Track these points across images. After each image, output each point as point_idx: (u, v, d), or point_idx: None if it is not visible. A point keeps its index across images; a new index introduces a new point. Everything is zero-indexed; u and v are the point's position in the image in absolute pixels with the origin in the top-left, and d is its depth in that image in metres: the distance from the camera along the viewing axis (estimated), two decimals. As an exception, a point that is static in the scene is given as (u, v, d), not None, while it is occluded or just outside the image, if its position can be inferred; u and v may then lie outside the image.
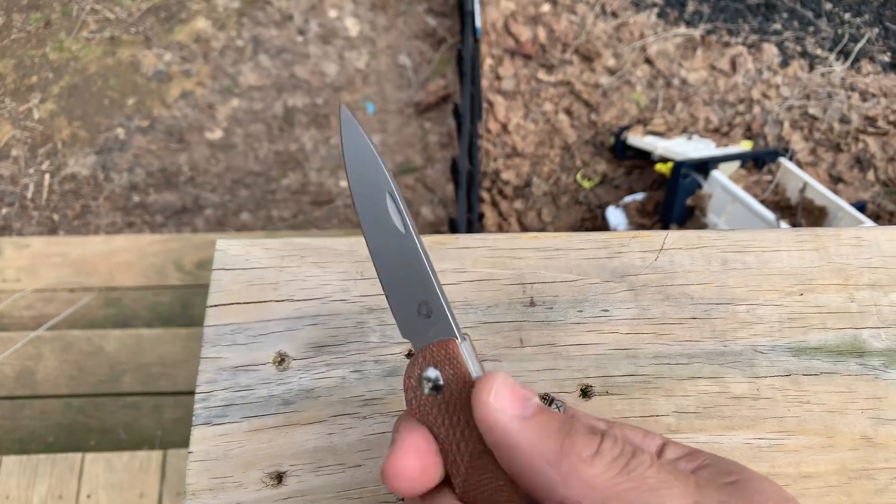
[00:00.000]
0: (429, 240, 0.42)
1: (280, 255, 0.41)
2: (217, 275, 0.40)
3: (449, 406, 0.26)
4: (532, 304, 0.40)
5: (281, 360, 0.38)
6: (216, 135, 1.96)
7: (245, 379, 0.38)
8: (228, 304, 0.39)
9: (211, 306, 0.39)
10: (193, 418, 0.37)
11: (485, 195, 1.86)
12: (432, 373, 0.26)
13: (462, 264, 0.41)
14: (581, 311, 0.40)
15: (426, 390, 0.26)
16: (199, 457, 0.36)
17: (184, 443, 1.38)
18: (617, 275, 0.41)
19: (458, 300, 0.40)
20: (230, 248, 0.41)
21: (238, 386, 0.38)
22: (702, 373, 0.39)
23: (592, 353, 0.38)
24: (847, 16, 2.13)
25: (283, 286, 0.40)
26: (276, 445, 0.36)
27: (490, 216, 1.83)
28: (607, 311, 0.40)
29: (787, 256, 0.42)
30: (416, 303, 0.28)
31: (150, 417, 1.41)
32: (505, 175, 1.87)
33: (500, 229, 1.80)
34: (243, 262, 0.41)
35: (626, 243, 0.42)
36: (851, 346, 0.40)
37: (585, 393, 0.37)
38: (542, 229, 1.80)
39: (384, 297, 0.29)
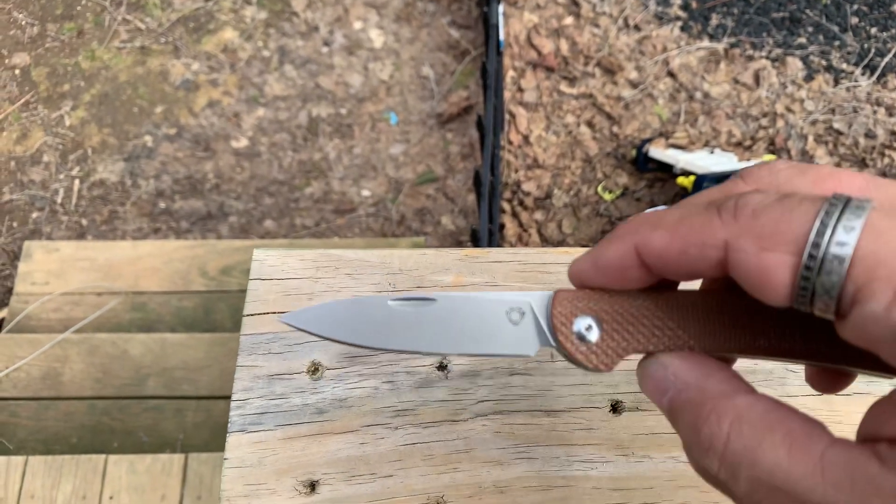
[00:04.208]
0: (460, 253, 0.43)
1: (315, 265, 0.42)
2: (253, 284, 0.41)
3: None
4: (562, 319, 0.40)
5: (315, 369, 0.39)
6: (241, 143, 2.00)
7: (280, 387, 0.39)
8: (264, 314, 0.40)
9: (247, 315, 0.40)
10: (229, 425, 0.38)
11: (505, 206, 1.87)
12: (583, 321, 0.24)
13: (493, 278, 0.42)
14: (611, 327, 0.40)
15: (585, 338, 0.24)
16: (235, 463, 0.37)
17: (205, 447, 1.40)
18: (647, 291, 0.41)
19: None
20: (267, 259, 0.42)
21: (273, 394, 0.38)
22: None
23: (623, 368, 0.39)
24: (874, 30, 2.11)
25: (318, 296, 0.41)
26: (310, 454, 0.37)
27: (510, 227, 1.84)
28: (637, 327, 0.40)
29: (818, 276, 0.42)
30: (502, 318, 0.25)
31: (173, 421, 1.43)
32: (526, 186, 1.87)
33: (520, 240, 1.80)
34: (279, 272, 0.42)
35: (656, 260, 0.42)
36: (883, 367, 0.40)
37: (616, 408, 0.38)
38: (563, 241, 1.80)
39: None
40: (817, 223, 0.18)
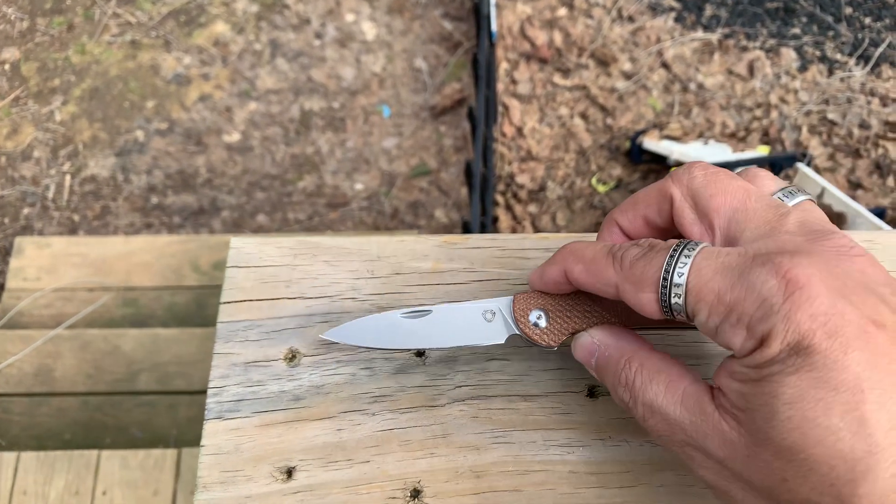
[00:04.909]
0: (439, 239, 0.42)
1: (293, 253, 0.41)
2: (231, 272, 0.41)
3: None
4: (541, 304, 0.40)
5: (292, 356, 0.39)
6: (233, 138, 1.99)
7: (256, 374, 0.38)
8: (241, 301, 0.40)
9: (224, 303, 0.40)
10: (206, 412, 0.38)
11: (499, 199, 1.86)
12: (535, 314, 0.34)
13: (472, 264, 0.41)
14: (590, 312, 0.40)
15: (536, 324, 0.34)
16: (211, 450, 0.37)
17: (198, 441, 1.39)
18: (626, 276, 0.41)
19: (468, 299, 0.40)
20: (244, 247, 0.42)
21: (250, 381, 0.38)
22: (709, 375, 0.38)
23: (601, 353, 0.38)
24: (867, 20, 2.11)
25: (295, 284, 0.41)
26: (286, 440, 0.37)
27: (504, 220, 1.83)
28: (616, 311, 0.40)
29: (799, 259, 0.42)
30: (478, 319, 0.35)
31: (166, 416, 1.43)
32: (519, 179, 1.87)
33: (514, 233, 1.80)
34: (256, 259, 0.41)
35: (635, 245, 0.42)
36: (863, 350, 0.39)
37: (592, 393, 0.38)
38: (556, 233, 1.80)
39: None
40: (664, 268, 0.27)
